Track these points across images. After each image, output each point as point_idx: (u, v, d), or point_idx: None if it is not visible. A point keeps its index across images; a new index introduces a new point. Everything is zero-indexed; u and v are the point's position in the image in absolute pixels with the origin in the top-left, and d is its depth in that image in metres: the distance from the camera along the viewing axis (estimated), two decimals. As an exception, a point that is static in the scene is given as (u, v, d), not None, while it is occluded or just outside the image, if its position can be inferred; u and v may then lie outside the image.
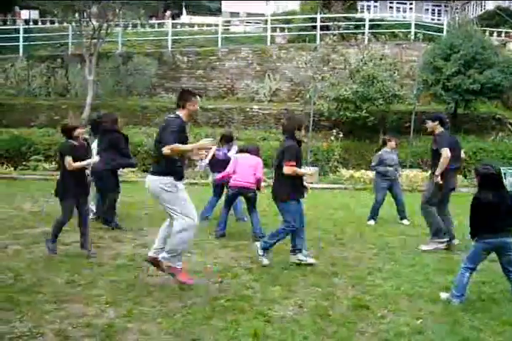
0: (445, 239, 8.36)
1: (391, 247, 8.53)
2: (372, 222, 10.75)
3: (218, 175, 9.39)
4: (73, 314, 5.13)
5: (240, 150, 9.38)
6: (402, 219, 10.87)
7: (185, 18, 39.07)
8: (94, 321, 4.97)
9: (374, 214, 10.85)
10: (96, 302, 5.46)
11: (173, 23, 27.84)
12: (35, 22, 28.45)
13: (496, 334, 4.97)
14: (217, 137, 10.85)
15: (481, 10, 39.40)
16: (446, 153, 8.10)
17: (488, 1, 38.66)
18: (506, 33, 28.64)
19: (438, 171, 8.16)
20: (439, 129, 8.46)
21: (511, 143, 20.50)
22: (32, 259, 7.07)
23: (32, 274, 6.35)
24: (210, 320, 5.09)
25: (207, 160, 10.00)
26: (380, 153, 11.02)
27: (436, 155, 8.33)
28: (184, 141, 5.93)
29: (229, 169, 8.98)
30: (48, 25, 27.84)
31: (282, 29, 28.69)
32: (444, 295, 5.86)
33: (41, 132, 19.99)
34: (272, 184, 7.42)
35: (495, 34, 27.81)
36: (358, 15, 29.76)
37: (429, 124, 8.50)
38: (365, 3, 39.39)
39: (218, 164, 9.81)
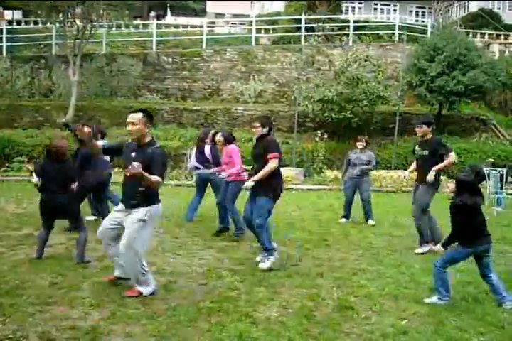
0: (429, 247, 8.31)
1: (376, 248, 8.56)
2: (344, 220, 11.02)
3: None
4: (57, 316, 5.10)
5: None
6: (367, 219, 10.96)
7: (169, 19, 39.07)
8: (78, 323, 4.94)
9: (347, 213, 11.11)
10: (80, 305, 5.43)
11: (157, 24, 27.73)
12: (19, 22, 28.26)
13: (480, 334, 5.01)
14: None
15: (465, 12, 39.71)
16: (453, 157, 8.18)
17: (471, 1, 38.95)
18: (489, 34, 28.88)
19: (436, 167, 8.17)
20: (431, 134, 8.48)
21: (495, 144, 20.64)
22: (15, 261, 7.01)
23: (15, 276, 6.29)
24: (194, 322, 5.08)
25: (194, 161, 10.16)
26: (348, 153, 11.33)
27: (429, 160, 8.30)
28: None
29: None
30: (32, 25, 27.61)
31: (267, 30, 28.71)
32: (428, 299, 5.87)
33: (25, 133, 19.84)
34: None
35: (478, 36, 28.06)
36: (343, 16, 29.81)
37: (424, 129, 8.40)
38: (350, 5, 39.56)
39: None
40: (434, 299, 5.83)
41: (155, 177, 5.51)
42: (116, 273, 6.09)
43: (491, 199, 13.18)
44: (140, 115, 5.69)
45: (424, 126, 8.40)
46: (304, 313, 5.39)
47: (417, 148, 8.61)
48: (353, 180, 10.96)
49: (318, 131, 19.89)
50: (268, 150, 7.07)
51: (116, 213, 5.94)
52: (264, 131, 7.19)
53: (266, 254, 7.16)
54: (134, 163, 5.35)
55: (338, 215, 11.36)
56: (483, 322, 5.31)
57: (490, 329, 5.14)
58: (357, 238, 9.35)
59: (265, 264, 7.05)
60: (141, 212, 5.67)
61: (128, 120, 5.69)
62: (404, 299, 5.93)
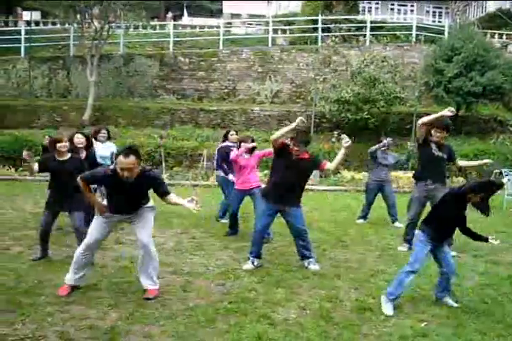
0: None
1: (393, 249, 8.52)
2: (361, 221, 10.99)
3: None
4: (76, 316, 5.12)
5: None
6: (393, 222, 10.83)
7: (186, 19, 39.13)
8: (96, 323, 4.97)
9: (365, 213, 11.08)
10: (98, 305, 5.45)
11: (174, 25, 27.83)
12: (37, 23, 28.45)
13: (500, 337, 4.96)
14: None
15: (482, 12, 39.38)
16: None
17: (489, 1, 38.63)
18: (507, 35, 28.63)
19: None
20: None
21: (513, 145, 20.48)
22: (34, 261, 7.06)
23: (34, 276, 6.34)
24: (212, 323, 5.08)
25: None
26: (374, 149, 10.95)
27: (445, 164, 8.60)
28: None
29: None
30: (50, 26, 27.82)
31: (284, 31, 28.68)
32: (452, 303, 5.84)
33: (42, 133, 19.93)
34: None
35: (496, 36, 27.80)
36: (360, 17, 29.71)
37: (445, 134, 8.32)
38: (367, 5, 39.43)
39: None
40: (450, 301, 5.80)
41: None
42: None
43: (509, 201, 13.06)
44: (133, 159, 5.43)
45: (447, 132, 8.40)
46: (322, 315, 5.38)
47: (434, 147, 8.37)
48: (378, 182, 10.89)
49: (335, 132, 19.84)
50: (320, 161, 7.83)
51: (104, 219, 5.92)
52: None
53: (312, 259, 7.27)
54: None
55: (354, 216, 11.31)
56: (503, 324, 5.26)
57: (510, 331, 5.09)
58: (374, 239, 9.31)
59: (316, 266, 7.17)
60: (150, 203, 5.96)
61: (123, 166, 5.42)
62: (423, 301, 5.90)
